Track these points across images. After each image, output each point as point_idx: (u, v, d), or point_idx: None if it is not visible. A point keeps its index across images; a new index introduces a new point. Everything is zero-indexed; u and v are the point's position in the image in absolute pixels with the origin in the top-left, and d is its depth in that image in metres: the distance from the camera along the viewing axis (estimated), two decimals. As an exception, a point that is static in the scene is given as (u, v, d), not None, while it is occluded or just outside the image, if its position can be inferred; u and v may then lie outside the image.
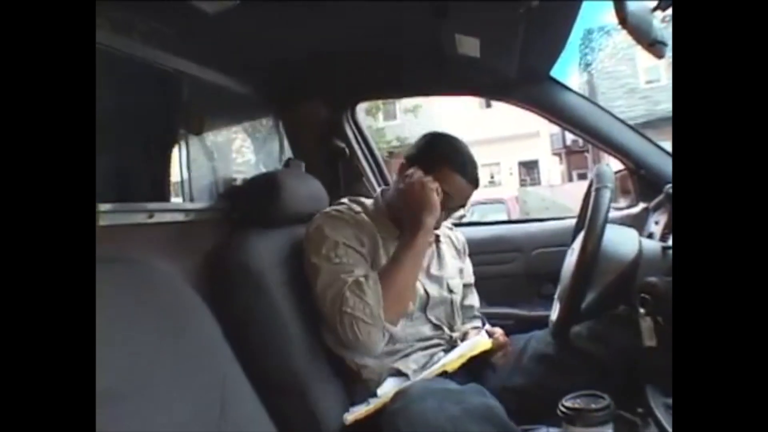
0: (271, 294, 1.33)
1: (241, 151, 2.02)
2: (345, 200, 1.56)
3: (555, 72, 1.85)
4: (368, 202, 1.57)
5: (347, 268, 1.34)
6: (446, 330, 1.56)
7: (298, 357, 1.33)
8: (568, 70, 15.22)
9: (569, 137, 15.10)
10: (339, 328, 1.31)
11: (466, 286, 1.71)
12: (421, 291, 1.51)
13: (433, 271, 1.58)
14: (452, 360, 1.41)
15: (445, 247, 1.66)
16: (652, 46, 1.06)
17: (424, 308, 1.51)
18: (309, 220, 1.48)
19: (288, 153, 2.06)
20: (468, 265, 1.75)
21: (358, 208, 1.51)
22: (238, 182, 1.71)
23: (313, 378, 1.34)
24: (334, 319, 1.31)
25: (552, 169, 18.43)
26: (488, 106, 14.64)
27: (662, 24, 1.11)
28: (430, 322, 1.52)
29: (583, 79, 15.90)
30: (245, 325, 1.28)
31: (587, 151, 14.22)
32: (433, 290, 1.54)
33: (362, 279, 1.32)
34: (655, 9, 1.07)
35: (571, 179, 17.22)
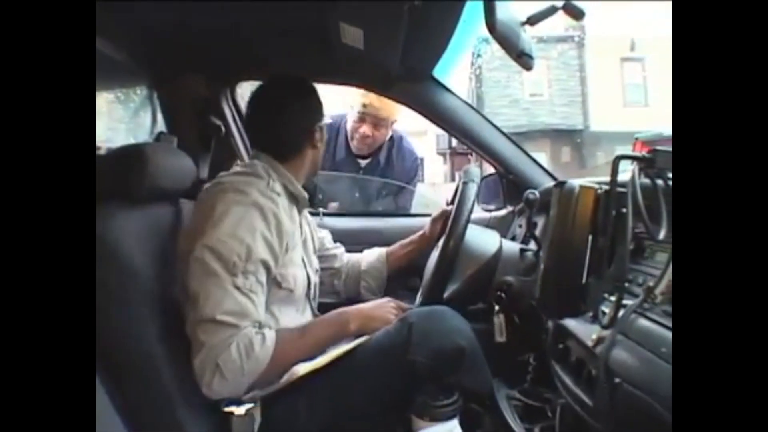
0: (128, 269, 1.22)
1: (110, 119, 1.90)
2: (241, 169, 1.37)
3: (448, 77, 1.91)
4: (263, 171, 1.36)
5: (248, 303, 1.21)
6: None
7: (154, 339, 1.25)
8: (459, 77, 15.65)
9: (455, 139, 15.56)
10: (198, 365, 1.19)
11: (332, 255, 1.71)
12: (304, 276, 1.40)
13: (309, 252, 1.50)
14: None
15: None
16: (520, 57, 1.11)
17: (308, 294, 1.43)
18: (174, 198, 1.41)
19: (161, 126, 1.96)
20: (327, 233, 1.73)
21: (277, 189, 1.33)
22: (103, 151, 1.60)
23: (168, 362, 1.26)
24: (201, 355, 1.19)
25: (435, 168, 18.97)
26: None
27: (532, 39, 1.17)
28: (311, 309, 1.45)
29: (472, 85, 16.55)
30: (97, 302, 1.19)
31: (471, 154, 14.76)
32: (311, 273, 1.46)
33: (256, 336, 1.20)
34: (524, 23, 1.13)
35: (453, 179, 17.85)
